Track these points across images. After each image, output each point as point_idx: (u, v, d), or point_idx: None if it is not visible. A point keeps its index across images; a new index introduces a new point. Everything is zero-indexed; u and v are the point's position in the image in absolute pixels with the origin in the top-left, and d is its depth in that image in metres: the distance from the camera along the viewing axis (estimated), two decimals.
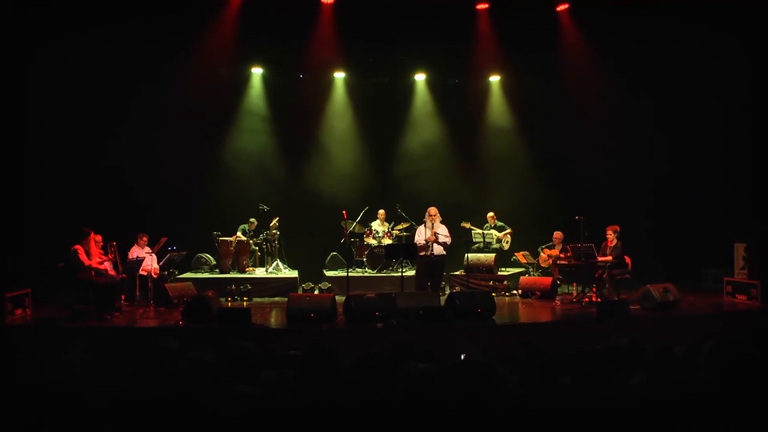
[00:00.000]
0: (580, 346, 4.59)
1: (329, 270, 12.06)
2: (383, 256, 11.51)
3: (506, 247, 12.22)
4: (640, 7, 10.88)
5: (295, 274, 11.69)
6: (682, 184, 12.46)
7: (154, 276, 10.23)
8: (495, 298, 9.11)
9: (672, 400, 3.02)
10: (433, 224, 10.04)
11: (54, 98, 10.81)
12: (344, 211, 12.01)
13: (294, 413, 2.96)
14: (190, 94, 11.60)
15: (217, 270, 11.84)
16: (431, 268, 10.11)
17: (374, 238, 12.01)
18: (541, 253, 11.54)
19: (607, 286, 10.04)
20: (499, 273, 11.83)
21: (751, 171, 11.50)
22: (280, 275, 11.59)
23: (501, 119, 13.65)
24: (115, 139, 11.36)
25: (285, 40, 11.86)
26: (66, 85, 10.80)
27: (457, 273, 11.75)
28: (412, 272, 11.10)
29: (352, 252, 12.01)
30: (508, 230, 12.28)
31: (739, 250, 10.63)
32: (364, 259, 11.96)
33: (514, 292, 11.26)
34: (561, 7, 12.19)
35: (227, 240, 11.73)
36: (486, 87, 13.78)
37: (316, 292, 10.92)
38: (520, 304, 10.41)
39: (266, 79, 13.15)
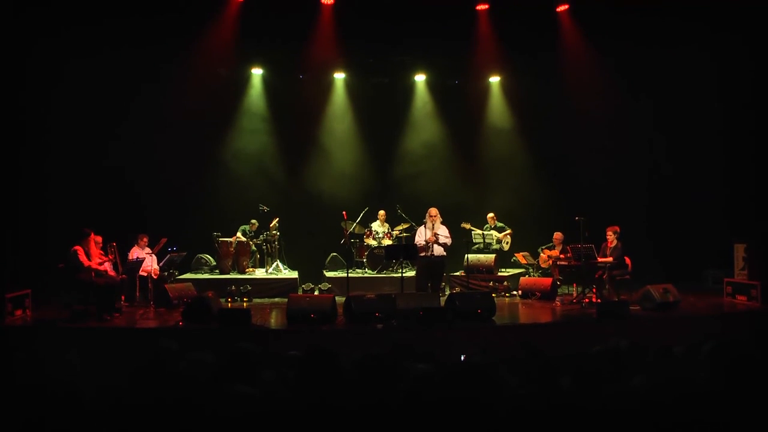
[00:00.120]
0: (580, 346, 4.58)
1: (329, 271, 12.06)
2: (383, 257, 11.51)
3: (506, 247, 12.23)
4: (640, 7, 10.89)
5: (295, 274, 11.70)
6: (682, 185, 12.46)
7: (154, 277, 10.22)
8: (495, 299, 9.12)
9: (672, 400, 3.02)
10: (433, 225, 10.03)
11: (54, 98, 10.82)
12: (344, 212, 12.02)
13: (294, 413, 2.96)
14: (190, 95, 11.61)
15: (217, 271, 11.84)
16: (431, 268, 10.11)
17: (374, 238, 12.01)
18: (541, 254, 11.54)
19: (607, 286, 10.05)
20: (499, 274, 11.83)
21: (751, 172, 11.52)
22: (280, 276, 11.59)
23: (501, 120, 13.66)
24: (115, 139, 11.36)
25: (285, 40, 11.87)
26: (66, 85, 10.81)
27: (457, 274, 11.75)
28: (412, 273, 11.09)
29: (352, 253, 12.01)
30: (508, 231, 12.28)
31: (739, 250, 10.64)
32: (364, 260, 11.96)
33: (514, 292, 11.26)
34: (561, 8, 12.19)
35: (227, 241, 11.74)
36: (486, 87, 13.78)
37: (316, 292, 10.92)
38: (520, 305, 10.40)
39: (266, 80, 13.16)
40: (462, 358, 4.42)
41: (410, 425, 2.93)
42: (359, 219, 12.16)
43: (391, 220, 12.22)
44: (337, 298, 9.23)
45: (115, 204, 11.15)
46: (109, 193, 11.28)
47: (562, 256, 10.77)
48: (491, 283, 11.35)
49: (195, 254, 11.92)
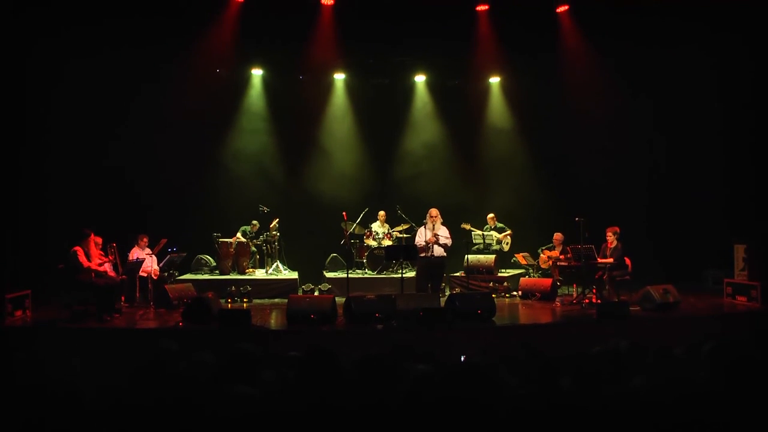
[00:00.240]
0: (580, 347, 4.58)
1: (329, 271, 12.06)
2: (383, 258, 11.51)
3: (506, 248, 12.23)
4: (640, 8, 10.89)
5: (295, 275, 11.69)
6: (682, 185, 12.46)
7: (154, 277, 10.22)
8: (495, 300, 9.12)
9: (672, 401, 3.02)
10: (434, 225, 10.03)
11: (54, 98, 10.82)
12: (344, 213, 12.01)
13: (294, 414, 2.95)
14: (190, 95, 11.61)
15: (217, 271, 11.84)
16: (431, 269, 10.10)
17: (374, 239, 12.01)
18: (541, 255, 11.53)
19: (607, 287, 10.05)
20: (499, 274, 11.83)
21: (751, 172, 11.52)
22: (280, 276, 11.59)
23: (501, 120, 13.66)
24: (115, 139, 11.36)
25: (285, 41, 11.87)
26: (66, 85, 10.81)
27: (457, 274, 11.74)
28: (412, 274, 11.09)
29: (352, 253, 12.01)
30: (508, 231, 12.28)
31: (739, 251, 10.63)
32: (364, 261, 11.96)
33: (514, 293, 11.25)
34: (561, 9, 12.20)
35: (227, 241, 11.74)
36: (486, 88, 13.77)
37: (316, 293, 10.92)
38: (520, 306, 10.40)
39: (266, 81, 13.15)
40: (462, 358, 4.42)
41: (410, 426, 2.93)
42: (359, 219, 12.15)
43: (391, 221, 12.22)
44: (337, 298, 9.22)
45: (115, 204, 11.15)
46: (109, 194, 11.28)
47: (562, 256, 10.77)
48: (491, 284, 11.35)
49: (195, 255, 11.92)
